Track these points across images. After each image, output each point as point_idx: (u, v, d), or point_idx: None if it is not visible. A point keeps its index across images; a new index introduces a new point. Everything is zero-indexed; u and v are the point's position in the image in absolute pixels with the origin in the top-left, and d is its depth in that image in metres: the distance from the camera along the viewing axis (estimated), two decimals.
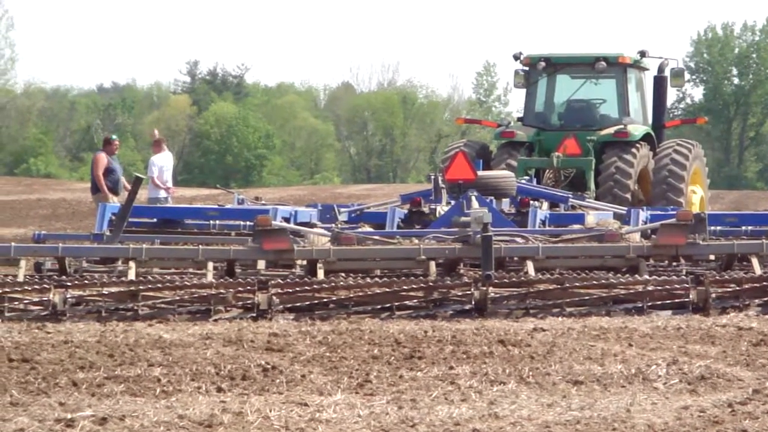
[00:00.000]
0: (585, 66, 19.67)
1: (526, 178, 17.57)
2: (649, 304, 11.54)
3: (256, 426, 6.81)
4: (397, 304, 11.44)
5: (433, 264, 12.24)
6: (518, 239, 12.71)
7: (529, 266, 12.17)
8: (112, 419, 6.91)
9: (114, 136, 21.07)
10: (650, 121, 20.08)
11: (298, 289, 11.50)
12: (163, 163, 21.19)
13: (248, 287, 11.46)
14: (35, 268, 13.30)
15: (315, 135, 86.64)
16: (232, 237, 14.31)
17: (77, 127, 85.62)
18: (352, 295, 11.47)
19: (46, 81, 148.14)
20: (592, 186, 18.47)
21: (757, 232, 14.55)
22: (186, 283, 11.60)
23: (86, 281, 11.60)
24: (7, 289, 11.39)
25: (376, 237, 13.01)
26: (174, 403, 7.39)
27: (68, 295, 11.33)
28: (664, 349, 9.44)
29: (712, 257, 13.26)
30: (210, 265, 12.32)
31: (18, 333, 10.29)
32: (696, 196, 19.67)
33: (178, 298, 11.39)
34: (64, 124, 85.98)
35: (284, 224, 13.25)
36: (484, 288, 11.53)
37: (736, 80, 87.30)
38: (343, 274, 12.04)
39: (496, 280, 11.60)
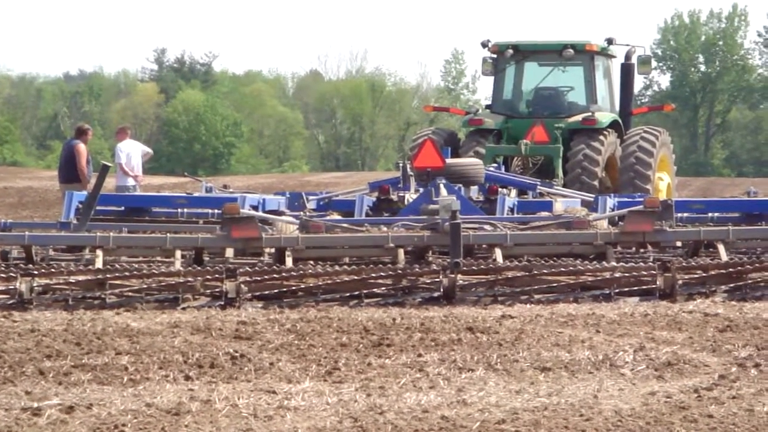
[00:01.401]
0: (552, 53, 19.71)
1: (494, 165, 17.59)
2: (617, 290, 11.58)
3: (224, 414, 6.80)
4: (365, 291, 11.44)
5: (401, 252, 12.25)
6: (486, 227, 12.73)
7: (498, 253, 12.19)
8: (79, 408, 6.88)
9: (88, 126, 20.96)
10: (617, 108, 20.14)
11: (266, 277, 11.48)
12: (130, 149, 21.00)
13: (216, 275, 11.42)
14: (1, 257, 13.20)
15: (283, 123, 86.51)
16: (200, 225, 14.27)
17: (44, 115, 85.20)
18: (320, 283, 11.45)
19: (12, 68, 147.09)
20: (560, 173, 18.52)
21: (723, 219, 14.65)
22: (154, 271, 11.55)
23: (53, 270, 11.53)
24: None
25: (345, 225, 13.01)
26: (142, 392, 7.37)
27: (35, 284, 11.26)
28: (631, 335, 9.48)
29: (678, 244, 13.31)
30: (178, 253, 12.29)
31: None
32: (663, 183, 19.77)
33: (145, 286, 11.34)
34: (30, 111, 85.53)
35: (252, 212, 13.23)
36: (453, 275, 11.54)
37: (702, 67, 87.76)
38: (311, 262, 12.04)
39: (464, 268, 11.61)
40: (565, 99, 19.93)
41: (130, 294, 11.31)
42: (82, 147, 19.61)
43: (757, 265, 11.85)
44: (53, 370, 7.96)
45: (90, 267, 11.83)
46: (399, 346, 8.95)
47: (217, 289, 11.36)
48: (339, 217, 14.02)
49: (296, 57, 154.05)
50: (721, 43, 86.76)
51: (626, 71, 20.10)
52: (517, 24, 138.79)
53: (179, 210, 15.08)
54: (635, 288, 11.63)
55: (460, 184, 14.59)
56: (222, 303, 11.26)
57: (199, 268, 11.77)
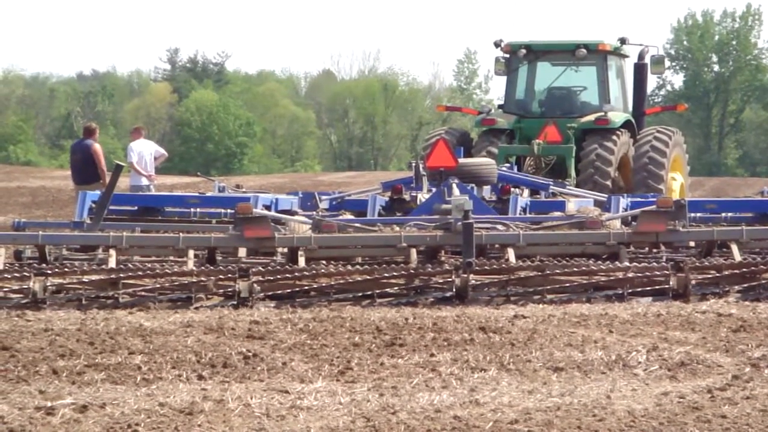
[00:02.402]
0: (565, 53, 19.68)
1: (507, 165, 17.57)
2: (630, 290, 11.56)
3: (236, 413, 6.81)
4: (378, 291, 11.44)
5: (414, 251, 12.25)
6: (499, 226, 12.73)
7: (510, 253, 12.18)
8: (93, 407, 6.90)
9: (95, 124, 20.94)
10: (630, 108, 20.10)
11: (279, 276, 11.49)
12: (141, 148, 20.97)
13: (229, 275, 11.44)
14: (15, 256, 13.25)
15: (296, 123, 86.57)
16: (213, 225, 14.30)
17: (57, 114, 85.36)
18: (333, 283, 11.46)
19: (26, 68, 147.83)
20: (573, 173, 18.48)
21: (736, 219, 14.62)
22: (167, 270, 11.57)
23: (66, 269, 11.56)
24: None
25: (357, 224, 13.01)
26: (155, 391, 7.39)
27: (48, 283, 11.29)
28: (644, 335, 9.47)
29: (692, 244, 13.29)
30: (191, 252, 12.30)
31: None
32: (676, 183, 19.72)
33: (158, 285, 11.36)
34: (43, 111, 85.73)
35: (265, 212, 13.24)
36: (465, 275, 11.53)
37: (716, 67, 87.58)
38: (324, 262, 12.04)
39: (477, 268, 11.61)
40: (577, 99, 19.90)
41: (143, 293, 11.33)
42: (98, 147, 19.58)
43: None
44: (67, 370, 7.98)
45: (103, 266, 11.86)
46: (411, 346, 8.95)
47: (229, 289, 11.37)
48: (352, 217, 14.03)
49: (309, 56, 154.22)
50: (734, 42, 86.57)
51: (639, 71, 20.07)
52: (529, 24, 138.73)
53: (192, 210, 15.11)
54: (648, 288, 11.61)
55: (473, 183, 14.57)
56: (235, 303, 11.28)
57: (211, 267, 11.79)
